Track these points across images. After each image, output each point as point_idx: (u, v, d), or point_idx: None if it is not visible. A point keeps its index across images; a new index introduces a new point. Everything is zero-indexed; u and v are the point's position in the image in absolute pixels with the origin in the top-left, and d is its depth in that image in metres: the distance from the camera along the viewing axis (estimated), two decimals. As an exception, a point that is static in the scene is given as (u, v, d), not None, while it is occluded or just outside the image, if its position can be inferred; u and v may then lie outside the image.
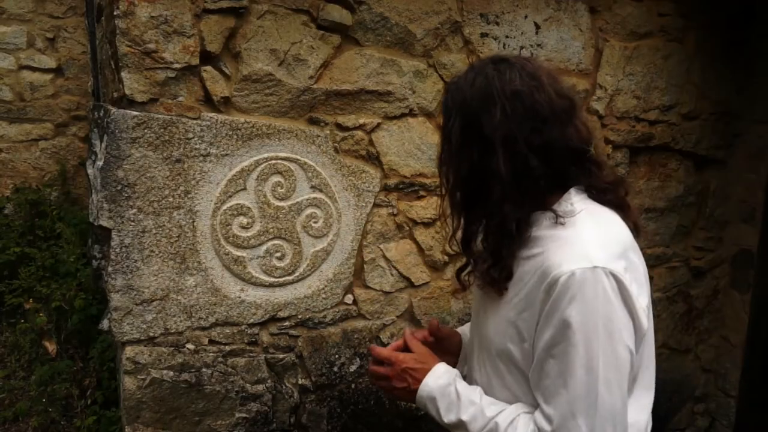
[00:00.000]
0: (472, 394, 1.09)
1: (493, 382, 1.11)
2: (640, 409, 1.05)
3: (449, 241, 1.15)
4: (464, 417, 1.06)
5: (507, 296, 1.05)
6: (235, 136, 1.86)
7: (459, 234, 1.13)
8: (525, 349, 1.02)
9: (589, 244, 0.97)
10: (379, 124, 2.06)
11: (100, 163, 1.76)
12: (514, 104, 0.99)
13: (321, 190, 2.00)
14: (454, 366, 1.22)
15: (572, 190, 1.05)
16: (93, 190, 1.83)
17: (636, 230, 1.07)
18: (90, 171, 1.86)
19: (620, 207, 1.07)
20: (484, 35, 2.14)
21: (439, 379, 1.12)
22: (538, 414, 1.00)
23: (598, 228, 1.01)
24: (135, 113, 1.73)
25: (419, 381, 1.12)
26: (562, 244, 0.98)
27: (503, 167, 0.99)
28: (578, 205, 1.03)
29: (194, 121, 1.81)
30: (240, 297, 1.95)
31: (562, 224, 1.01)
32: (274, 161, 1.92)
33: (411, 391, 1.13)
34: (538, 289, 0.97)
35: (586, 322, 0.92)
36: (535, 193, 1.02)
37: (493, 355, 1.09)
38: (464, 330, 1.36)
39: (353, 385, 2.17)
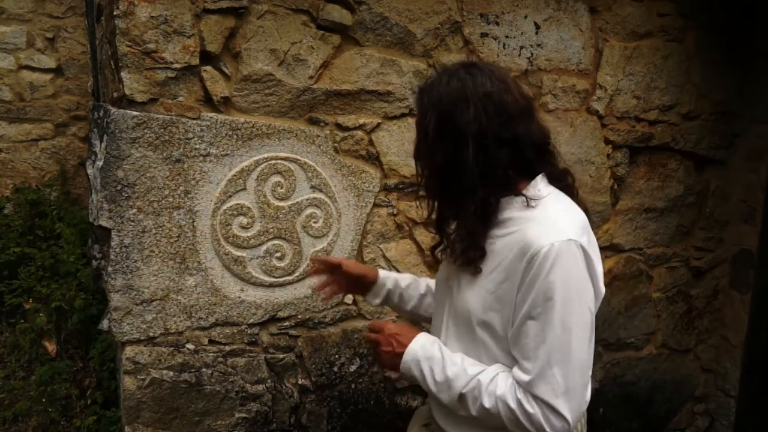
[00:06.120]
0: (455, 356, 1.20)
1: (470, 351, 1.21)
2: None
3: (425, 224, 1.28)
4: (449, 374, 1.17)
5: (484, 271, 1.16)
6: (235, 136, 1.86)
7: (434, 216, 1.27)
8: (504, 315, 1.14)
9: (560, 222, 1.11)
10: (379, 124, 2.06)
11: (100, 163, 1.76)
12: (485, 103, 1.12)
13: (321, 190, 2.00)
14: None
15: (538, 178, 1.19)
16: (93, 190, 1.83)
17: (586, 212, 1.22)
18: (90, 171, 1.86)
19: (570, 191, 1.23)
20: (484, 35, 2.14)
21: (423, 343, 1.23)
22: (516, 369, 1.12)
23: (563, 209, 1.16)
24: (135, 113, 1.73)
25: (404, 345, 1.24)
26: (537, 222, 1.12)
27: (476, 158, 1.12)
28: (544, 190, 1.18)
29: (194, 121, 1.81)
30: (240, 297, 1.95)
31: (533, 206, 1.14)
32: (274, 161, 1.92)
33: (396, 354, 1.25)
34: (520, 261, 1.09)
35: (563, 286, 1.06)
36: (505, 181, 1.15)
37: (473, 325, 1.19)
38: (389, 274, 1.55)
39: (353, 385, 2.18)
